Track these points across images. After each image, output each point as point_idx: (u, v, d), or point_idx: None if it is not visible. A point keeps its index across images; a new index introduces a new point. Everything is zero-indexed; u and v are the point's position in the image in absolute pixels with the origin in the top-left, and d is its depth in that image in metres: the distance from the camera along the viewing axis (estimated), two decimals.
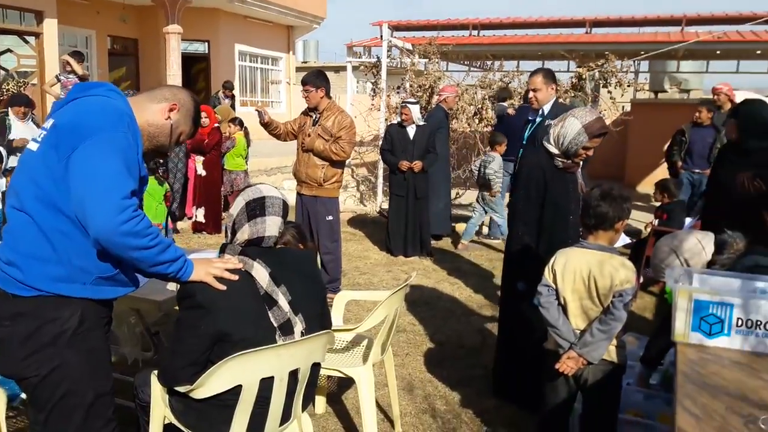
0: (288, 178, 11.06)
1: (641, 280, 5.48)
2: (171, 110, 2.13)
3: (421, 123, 6.60)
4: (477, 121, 9.21)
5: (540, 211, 3.20)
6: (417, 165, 6.43)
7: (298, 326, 2.14)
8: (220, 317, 2.01)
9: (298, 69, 18.33)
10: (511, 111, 7.74)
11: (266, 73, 17.41)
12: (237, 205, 2.17)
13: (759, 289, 2.38)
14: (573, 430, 2.73)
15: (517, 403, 3.30)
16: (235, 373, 2.00)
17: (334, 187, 4.96)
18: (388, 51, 9.77)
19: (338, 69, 22.25)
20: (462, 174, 9.32)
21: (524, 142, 4.43)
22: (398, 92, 10.08)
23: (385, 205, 8.13)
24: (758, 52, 11.80)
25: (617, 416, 2.57)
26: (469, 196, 9.46)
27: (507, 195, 6.02)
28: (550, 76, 4.33)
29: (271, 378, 2.05)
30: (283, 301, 2.10)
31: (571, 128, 3.05)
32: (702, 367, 2.04)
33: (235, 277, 2.04)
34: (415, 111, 6.56)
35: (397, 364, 3.82)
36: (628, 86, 9.36)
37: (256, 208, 2.13)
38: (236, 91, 15.74)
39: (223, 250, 2.17)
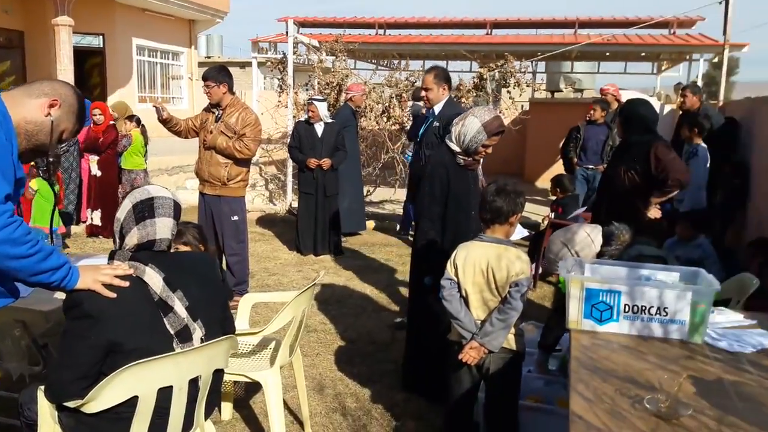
0: (191, 178, 10.66)
1: (540, 270, 5.74)
2: (51, 106, 1.98)
3: (329, 120, 6.57)
4: (385, 119, 9.29)
5: (444, 207, 3.28)
6: (325, 163, 6.40)
7: (198, 332, 2.06)
8: (111, 326, 1.90)
9: (201, 64, 17.71)
10: (425, 111, 7.86)
11: (167, 69, 16.70)
12: (123, 208, 2.05)
13: (643, 276, 2.55)
14: (478, 418, 2.81)
15: (425, 396, 3.36)
16: (130, 384, 1.90)
17: (239, 186, 4.82)
18: (294, 47, 9.65)
19: (244, 65, 21.69)
20: (372, 171, 9.38)
21: (417, 140, 4.51)
22: (306, 89, 9.97)
23: (295, 204, 8.04)
24: (643, 54, 12.69)
25: (518, 402, 2.67)
26: (380, 193, 9.55)
27: None
28: (442, 75, 4.28)
29: (170, 387, 1.97)
30: (179, 307, 2.02)
31: (471, 127, 3.14)
32: (594, 352, 2.16)
33: (126, 284, 1.93)
34: (322, 108, 6.51)
35: (307, 365, 3.80)
36: (527, 86, 9.75)
37: (145, 210, 2.03)
38: (134, 87, 15.06)
39: (112, 256, 2.05)
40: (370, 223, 8.10)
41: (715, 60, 11.22)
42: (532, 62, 11.18)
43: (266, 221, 8.42)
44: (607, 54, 12.65)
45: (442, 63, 14.23)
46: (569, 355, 2.86)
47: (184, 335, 2.03)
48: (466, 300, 2.58)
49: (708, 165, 5.53)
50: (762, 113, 5.82)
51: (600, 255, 2.87)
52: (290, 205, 9.02)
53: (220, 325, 2.18)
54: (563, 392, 2.98)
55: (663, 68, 13.62)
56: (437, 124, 4.26)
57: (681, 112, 6.79)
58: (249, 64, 14.77)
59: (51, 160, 5.53)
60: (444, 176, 3.26)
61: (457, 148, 3.24)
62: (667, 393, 1.69)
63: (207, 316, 2.10)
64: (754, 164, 5.65)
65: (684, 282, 2.50)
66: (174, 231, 2.10)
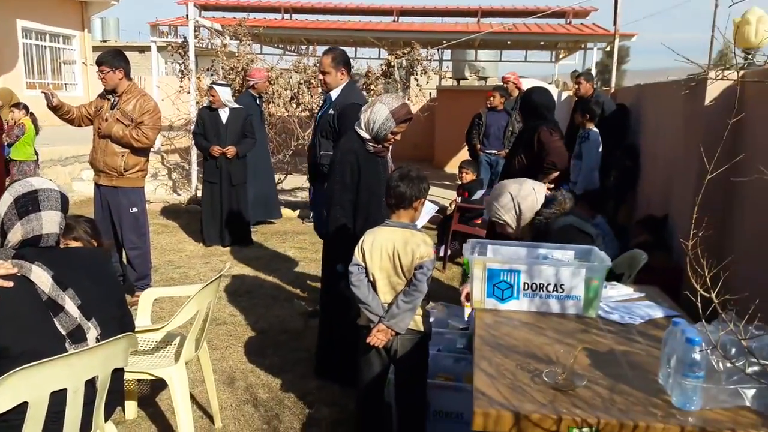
0: (87, 168, 10.07)
1: (449, 252, 5.89)
2: None
3: (234, 106, 6.36)
4: (294, 105, 9.15)
5: (355, 194, 3.27)
6: (230, 150, 6.21)
7: (92, 332, 1.96)
8: None
9: (96, 48, 16.66)
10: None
11: (57, 53, 15.60)
12: (4, 203, 1.90)
13: (541, 255, 2.67)
14: (389, 398, 2.85)
15: (339, 382, 3.36)
16: (19, 389, 1.77)
17: (138, 176, 4.59)
18: (196, 31, 9.29)
19: (143, 49, 20.69)
20: (283, 159, 9.22)
21: (316, 124, 4.37)
22: (210, 74, 9.64)
23: (201, 194, 7.78)
24: (542, 43, 13.23)
25: (426, 381, 2.73)
26: (292, 181, 9.41)
27: None
28: (340, 59, 4.14)
29: (64, 390, 1.85)
30: (71, 306, 1.91)
31: (379, 114, 3.17)
32: (496, 329, 2.23)
33: (9, 284, 1.80)
34: (223, 93, 6.28)
35: (216, 358, 3.70)
36: (434, 74, 9.92)
37: (28, 204, 1.89)
38: (21, 72, 13.96)
39: None
40: (288, 212, 7.98)
41: (608, 49, 11.87)
42: (438, 50, 11.36)
43: (170, 212, 8.09)
44: (509, 43, 13.09)
45: (350, 50, 14.20)
46: (473, 327, 2.97)
47: (77, 335, 1.92)
48: (374, 285, 2.60)
49: (600, 149, 5.85)
50: (648, 99, 6.22)
51: (537, 214, 2.95)
52: (195, 194, 8.72)
53: (118, 323, 2.08)
54: (470, 368, 3.08)
55: (560, 56, 14.27)
56: (332, 111, 4.15)
57: (576, 99, 7.15)
58: (148, 48, 14.06)
59: None
60: (354, 163, 3.25)
61: (366, 135, 3.25)
62: (563, 365, 1.78)
63: (102, 315, 2.00)
64: (643, 147, 6.04)
65: (578, 259, 2.63)
66: (62, 225, 1.97)
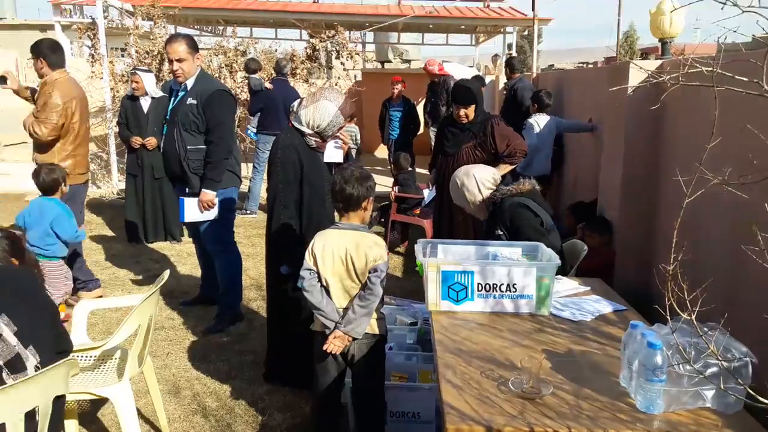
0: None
1: (387, 240, 5.92)
2: None
3: (158, 95, 6.06)
4: None
5: (299, 191, 3.21)
6: (150, 142, 5.92)
7: (31, 360, 1.84)
8: None
9: None
10: (268, 85, 7.62)
11: None
12: None
13: (491, 254, 2.73)
14: (345, 399, 2.85)
15: (290, 385, 3.33)
16: None
17: None
18: (104, 11, 8.74)
19: (45, 27, 19.27)
20: None
21: (167, 118, 4.06)
22: (122, 56, 9.13)
23: (122, 186, 7.40)
24: (462, 26, 13.38)
25: (384, 383, 2.75)
26: None
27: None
28: (193, 44, 3.92)
29: (3, 425, 1.73)
30: (8, 334, 1.78)
31: (327, 111, 3.16)
32: (454, 333, 2.27)
33: None
34: (148, 80, 5.98)
35: (159, 366, 3.56)
36: (357, 55, 9.85)
37: None
38: None
39: None
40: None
41: (525, 33, 12.18)
42: (361, 33, 11.28)
43: (91, 206, 7.62)
44: (430, 26, 13.15)
45: (270, 31, 13.82)
46: (427, 327, 3.03)
47: (16, 365, 1.80)
48: (327, 289, 2.57)
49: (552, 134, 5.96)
50: (572, 84, 6.45)
51: (495, 191, 3.27)
52: (116, 187, 8.29)
53: (55, 344, 1.96)
54: (423, 365, 3.12)
55: (480, 40, 14.51)
56: (193, 101, 3.88)
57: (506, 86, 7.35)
58: (51, 27, 13.11)
59: None
60: (296, 160, 3.19)
61: (308, 131, 3.20)
62: (528, 372, 1.83)
63: (38, 339, 1.88)
64: (566, 134, 6.26)
65: (526, 256, 2.72)
66: None
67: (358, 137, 9.04)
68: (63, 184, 4.09)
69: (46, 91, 4.25)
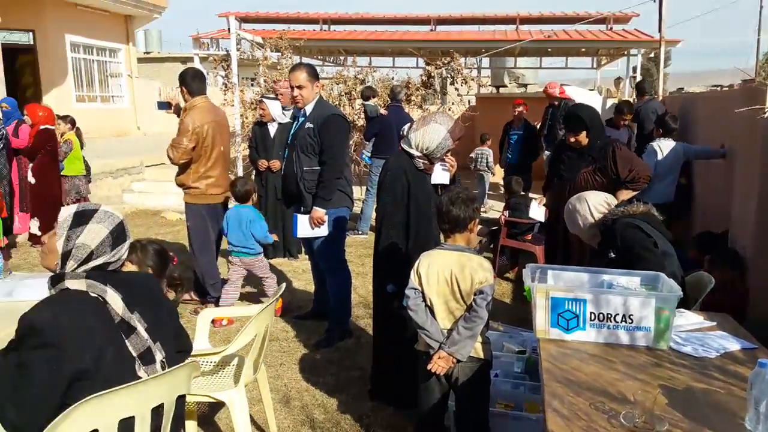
0: (137, 180, 10.34)
1: (496, 267, 5.84)
2: None
3: (284, 121, 6.42)
4: None
5: (406, 212, 3.27)
6: (274, 164, 6.27)
7: (158, 355, 1.99)
8: (77, 355, 1.79)
9: (141, 60, 17.15)
10: (383, 111, 7.88)
11: (104, 66, 16.05)
12: (98, 235, 1.95)
13: (605, 282, 2.61)
14: (449, 422, 2.83)
15: (394, 405, 3.35)
16: (91, 416, 1.79)
17: (190, 192, 4.75)
18: (237, 44, 9.43)
19: (185, 60, 21.12)
20: None
21: (288, 142, 4.32)
22: (251, 85, 9.79)
23: None
24: (583, 49, 13.03)
25: (488, 410, 2.70)
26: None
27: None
28: (313, 73, 4.13)
29: (132, 418, 1.89)
30: (141, 328, 1.95)
31: (436, 134, 3.20)
32: (563, 362, 2.19)
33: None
34: (273, 107, 6.36)
35: (271, 376, 3.73)
36: (472, 81, 9.88)
37: (120, 234, 1.97)
38: (70, 86, 14.39)
39: (58, 280, 1.93)
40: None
41: (651, 55, 11.63)
42: (477, 59, 11.31)
43: None
44: (549, 50, 12.93)
45: (388, 59, 14.24)
46: (535, 356, 2.93)
47: (147, 357, 1.96)
48: (431, 309, 2.58)
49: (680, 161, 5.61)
50: (699, 108, 6.06)
51: (607, 213, 3.19)
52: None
53: (176, 343, 2.13)
54: (530, 395, 3.03)
55: (602, 63, 14.04)
56: (311, 125, 4.09)
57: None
58: (190, 59, 14.36)
59: None
60: (405, 181, 3.27)
61: (417, 153, 3.26)
62: (642, 406, 1.73)
63: (163, 337, 2.04)
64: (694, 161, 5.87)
65: (645, 286, 2.57)
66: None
67: (491, 160, 9.07)
68: (254, 193, 4.83)
69: (183, 117, 4.65)
